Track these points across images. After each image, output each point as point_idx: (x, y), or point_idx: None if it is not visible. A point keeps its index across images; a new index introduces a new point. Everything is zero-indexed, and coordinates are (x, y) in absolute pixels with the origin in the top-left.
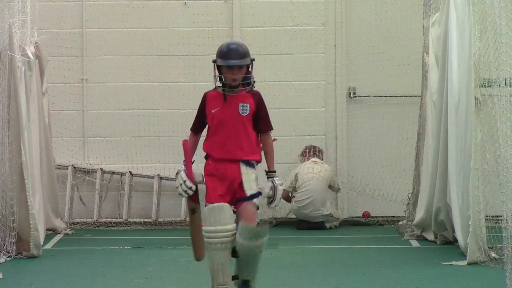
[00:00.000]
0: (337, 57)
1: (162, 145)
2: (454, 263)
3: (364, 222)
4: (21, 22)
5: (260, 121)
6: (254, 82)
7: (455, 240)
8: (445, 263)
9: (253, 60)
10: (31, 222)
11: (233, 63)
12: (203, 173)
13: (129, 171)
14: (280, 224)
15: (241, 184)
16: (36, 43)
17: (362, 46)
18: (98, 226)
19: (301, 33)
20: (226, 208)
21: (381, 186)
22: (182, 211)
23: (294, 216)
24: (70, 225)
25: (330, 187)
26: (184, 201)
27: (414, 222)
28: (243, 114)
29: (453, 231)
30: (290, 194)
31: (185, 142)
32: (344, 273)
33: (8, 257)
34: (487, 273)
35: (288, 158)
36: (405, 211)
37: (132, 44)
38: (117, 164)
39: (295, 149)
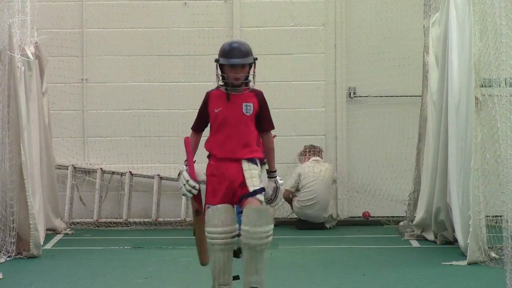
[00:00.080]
0: (337, 57)
1: (162, 145)
2: (454, 263)
3: (365, 222)
4: (21, 22)
5: (263, 120)
6: (254, 77)
7: (455, 240)
8: (445, 263)
9: (256, 59)
10: (31, 222)
11: (235, 62)
12: (205, 172)
13: (129, 171)
14: (280, 224)
15: (241, 183)
16: (36, 43)
17: (362, 46)
18: (98, 226)
19: (301, 33)
20: (229, 209)
21: (382, 186)
22: (182, 211)
23: (294, 216)
24: (70, 225)
25: (334, 181)
26: (184, 201)
27: (414, 222)
28: (246, 114)
29: (453, 231)
30: (290, 195)
31: (186, 140)
32: (344, 273)
33: (8, 257)
34: (487, 273)
35: (288, 158)
36: (405, 211)
37: (132, 44)
38: (117, 164)
39: (295, 149)
